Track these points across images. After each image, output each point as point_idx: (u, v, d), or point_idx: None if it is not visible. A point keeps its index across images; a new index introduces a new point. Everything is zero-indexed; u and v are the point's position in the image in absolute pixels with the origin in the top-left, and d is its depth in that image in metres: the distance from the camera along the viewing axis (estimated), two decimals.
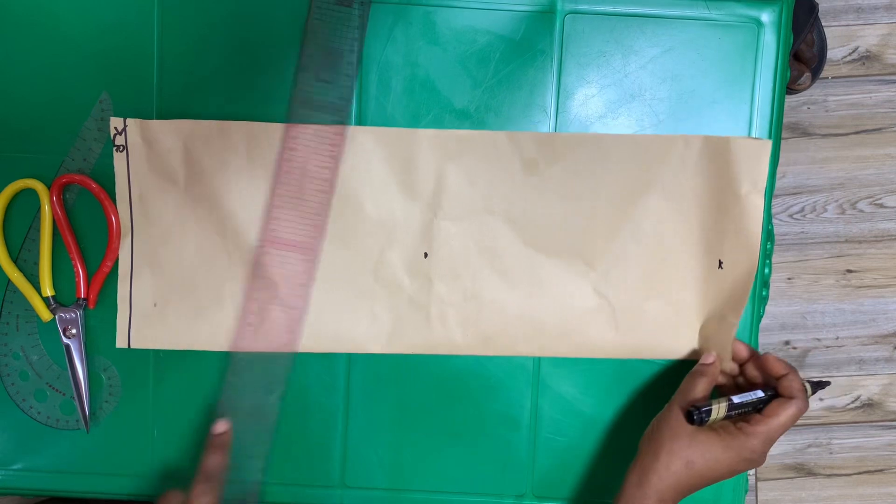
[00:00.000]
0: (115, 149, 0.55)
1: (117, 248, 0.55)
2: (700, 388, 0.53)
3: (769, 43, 0.55)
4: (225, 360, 0.56)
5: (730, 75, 0.55)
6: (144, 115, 0.55)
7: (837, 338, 1.19)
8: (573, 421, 0.58)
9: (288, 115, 0.54)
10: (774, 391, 0.52)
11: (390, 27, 0.54)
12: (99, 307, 0.56)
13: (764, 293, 0.57)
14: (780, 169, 0.56)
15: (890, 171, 1.16)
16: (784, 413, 0.50)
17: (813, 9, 1.03)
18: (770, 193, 0.56)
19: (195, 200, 0.55)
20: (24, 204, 0.56)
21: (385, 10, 0.54)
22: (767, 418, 0.51)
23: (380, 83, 0.55)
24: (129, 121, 0.54)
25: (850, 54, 1.15)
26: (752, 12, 0.55)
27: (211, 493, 0.51)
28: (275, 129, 0.54)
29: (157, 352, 0.56)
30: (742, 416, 0.52)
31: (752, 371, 0.55)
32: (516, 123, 0.55)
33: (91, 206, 0.56)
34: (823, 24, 1.12)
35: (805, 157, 1.16)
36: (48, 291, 0.55)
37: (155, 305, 0.56)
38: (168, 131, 0.54)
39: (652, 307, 0.56)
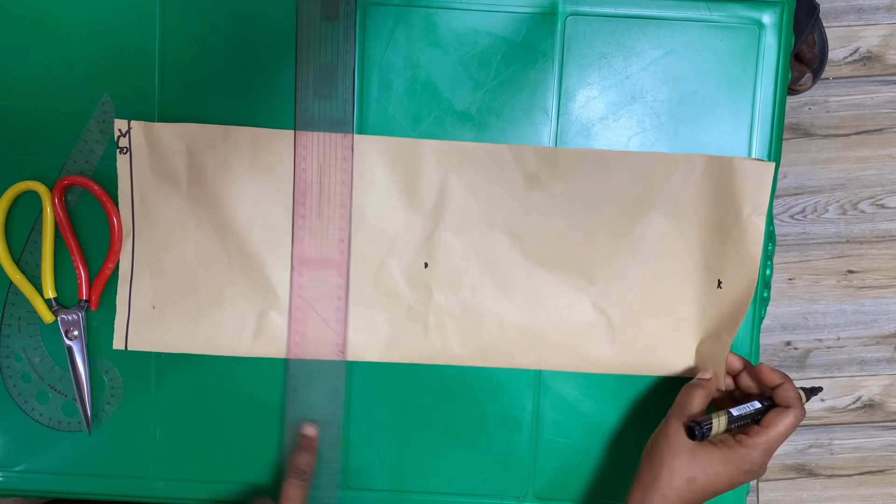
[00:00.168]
0: (118, 151, 0.55)
1: (119, 250, 0.55)
2: (697, 401, 0.53)
3: (770, 44, 0.55)
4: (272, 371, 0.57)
5: (731, 77, 0.55)
6: (146, 116, 0.55)
7: (838, 338, 1.19)
8: (574, 422, 0.58)
9: (294, 134, 0.54)
10: (771, 401, 0.52)
11: (391, 29, 0.54)
12: (101, 309, 0.56)
13: (765, 294, 0.57)
14: (781, 169, 0.57)
15: (891, 171, 1.16)
16: (782, 423, 0.51)
17: (814, 9, 1.03)
18: (771, 196, 0.56)
19: (197, 203, 0.55)
20: (26, 206, 0.56)
21: (386, 11, 0.54)
22: (766, 429, 0.51)
23: (381, 85, 0.55)
24: (134, 123, 0.54)
25: (851, 55, 1.15)
26: (754, 14, 0.55)
27: (301, 489, 0.53)
28: (278, 135, 0.54)
29: (158, 354, 0.57)
30: (741, 427, 0.52)
31: (746, 382, 0.55)
32: (518, 125, 0.55)
33: (93, 208, 0.56)
34: (824, 24, 1.12)
35: (806, 157, 1.16)
36: (50, 293, 0.55)
37: (154, 308, 0.56)
38: (172, 134, 0.54)
39: (650, 324, 0.56)
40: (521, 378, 0.57)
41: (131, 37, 0.54)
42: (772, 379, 0.53)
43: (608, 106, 0.55)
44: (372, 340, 0.56)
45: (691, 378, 0.55)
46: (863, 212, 1.17)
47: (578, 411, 0.58)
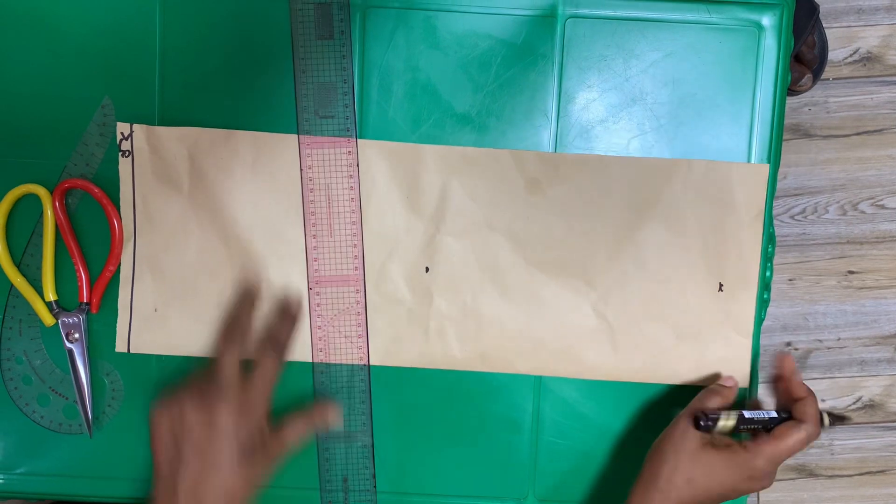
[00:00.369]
0: (120, 154, 0.55)
1: (120, 253, 0.55)
2: (712, 404, 0.52)
3: (770, 46, 0.55)
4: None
5: (731, 79, 0.55)
6: (146, 119, 0.55)
7: (839, 339, 1.19)
8: (575, 424, 0.58)
9: (300, 155, 0.54)
10: (789, 414, 0.52)
11: (391, 32, 0.54)
12: (101, 312, 0.56)
13: (765, 296, 0.57)
14: (781, 170, 0.57)
15: (891, 172, 1.16)
16: (793, 436, 0.50)
17: (814, 10, 1.03)
18: (771, 198, 0.56)
19: (198, 207, 0.55)
20: (27, 209, 0.56)
21: (386, 14, 0.54)
22: (775, 439, 0.50)
23: (381, 88, 0.55)
24: (136, 126, 0.54)
25: (851, 55, 1.15)
26: (753, 16, 0.55)
27: (278, 364, 0.50)
28: (280, 139, 0.54)
29: (159, 356, 0.57)
30: (751, 434, 0.52)
31: (774, 392, 0.54)
32: (518, 127, 0.55)
33: (93, 211, 0.56)
34: (824, 25, 1.12)
35: (806, 158, 1.16)
36: (51, 296, 0.56)
37: (156, 310, 0.56)
38: (174, 138, 0.54)
39: (651, 329, 0.56)
40: (522, 380, 0.57)
41: (131, 39, 0.54)
42: (798, 391, 0.51)
43: (608, 108, 0.55)
44: (372, 344, 0.56)
45: (696, 385, 0.55)
46: (863, 212, 1.17)
47: (579, 413, 0.58)
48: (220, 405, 0.46)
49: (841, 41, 1.14)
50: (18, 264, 0.56)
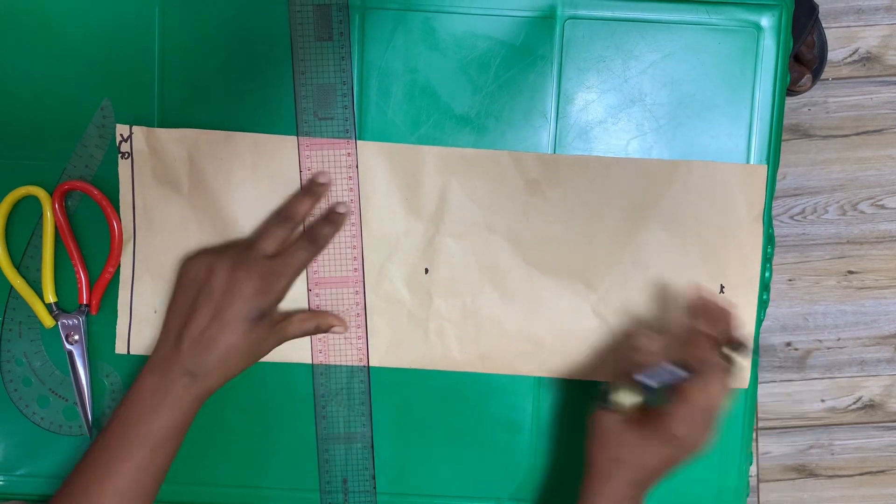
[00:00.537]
0: (119, 156, 0.55)
1: (119, 255, 0.55)
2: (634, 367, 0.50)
3: (769, 47, 0.55)
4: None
5: (730, 80, 0.55)
6: (145, 121, 0.55)
7: (839, 339, 1.19)
8: (575, 425, 0.58)
9: (298, 157, 0.54)
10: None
11: (390, 33, 0.54)
12: (101, 313, 0.56)
13: (765, 297, 0.57)
14: (780, 170, 0.57)
15: (891, 172, 1.16)
16: (697, 393, 0.47)
17: (813, 10, 1.03)
18: (770, 198, 0.56)
19: (198, 208, 0.55)
20: (27, 211, 0.56)
21: (385, 16, 0.54)
22: (682, 401, 0.47)
23: (380, 89, 0.55)
24: (136, 128, 0.54)
25: (850, 55, 1.15)
26: (752, 17, 0.55)
27: (311, 257, 0.52)
28: (279, 140, 0.54)
29: None
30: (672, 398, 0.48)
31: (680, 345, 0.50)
32: (517, 128, 0.55)
33: (93, 213, 0.56)
34: (824, 25, 1.12)
35: (806, 158, 1.16)
36: (50, 298, 0.56)
37: (155, 312, 0.56)
38: (173, 139, 0.54)
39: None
40: (522, 381, 0.57)
41: (131, 40, 0.54)
42: (690, 344, 0.49)
43: (607, 109, 0.55)
44: (372, 345, 0.56)
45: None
46: (862, 212, 1.17)
47: (579, 414, 0.58)
48: (245, 274, 0.49)
49: (840, 41, 1.14)
50: (18, 266, 0.56)
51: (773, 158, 0.56)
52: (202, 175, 0.55)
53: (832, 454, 1.20)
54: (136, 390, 0.50)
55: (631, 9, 0.54)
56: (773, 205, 0.57)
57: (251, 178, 0.55)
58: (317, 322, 0.54)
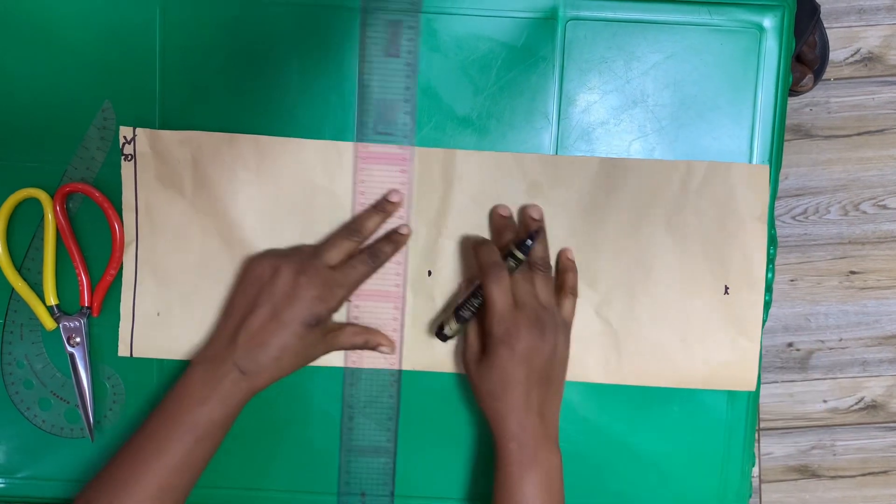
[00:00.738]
0: (122, 158, 0.55)
1: (121, 257, 0.55)
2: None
3: (771, 48, 0.55)
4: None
5: (732, 81, 0.55)
6: (147, 123, 0.55)
7: (841, 339, 1.18)
8: (576, 427, 0.57)
9: (354, 170, 0.54)
10: None
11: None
12: (103, 315, 0.56)
13: (767, 298, 0.57)
14: (782, 171, 0.57)
15: (893, 172, 1.16)
16: (485, 291, 0.50)
17: (815, 10, 1.03)
18: (773, 199, 0.56)
19: (201, 211, 0.55)
20: (28, 213, 0.56)
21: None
22: (485, 303, 0.51)
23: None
24: (139, 130, 0.54)
25: (852, 56, 1.15)
26: (754, 17, 0.54)
27: (370, 270, 0.53)
28: (283, 143, 0.54)
29: (161, 360, 0.57)
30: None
31: None
32: (518, 130, 0.55)
33: (94, 215, 0.56)
34: (825, 25, 1.12)
35: (808, 158, 1.16)
36: (52, 300, 0.56)
37: (158, 315, 0.56)
38: (177, 141, 0.54)
39: (656, 333, 0.56)
40: None
41: (132, 42, 0.54)
42: (474, 253, 0.52)
43: (609, 110, 0.55)
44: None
45: (700, 392, 0.55)
46: (864, 213, 1.16)
47: (581, 417, 0.57)
48: (307, 280, 0.50)
49: (842, 41, 1.14)
50: (19, 268, 0.56)
51: (776, 159, 0.56)
52: (205, 177, 0.54)
53: (834, 455, 1.20)
54: (186, 379, 0.50)
55: (633, 10, 0.54)
56: (775, 205, 0.57)
57: (254, 180, 0.55)
58: (367, 338, 0.54)
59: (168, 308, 0.56)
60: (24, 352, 0.57)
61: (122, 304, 0.56)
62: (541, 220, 0.54)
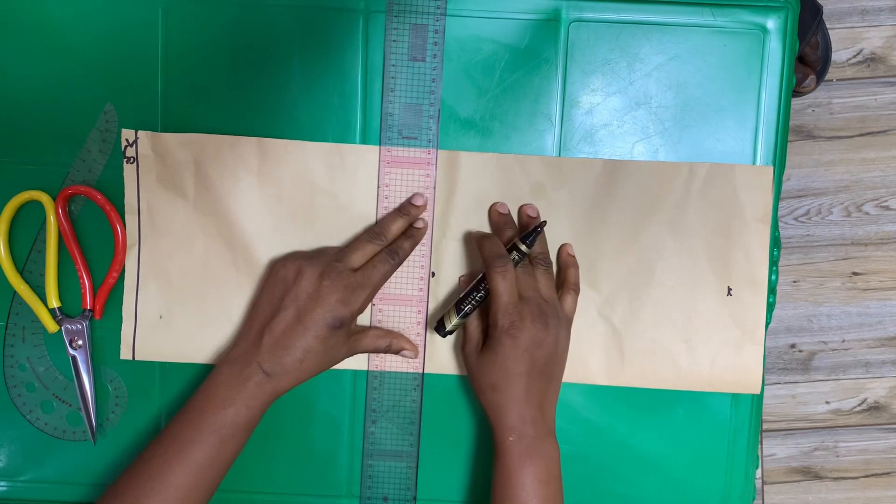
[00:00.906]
0: (125, 160, 0.55)
1: (123, 259, 0.55)
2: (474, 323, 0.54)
3: (775, 49, 0.55)
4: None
5: (735, 82, 0.55)
6: (149, 125, 0.55)
7: (843, 340, 1.18)
8: (579, 429, 0.57)
9: (378, 175, 0.55)
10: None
11: None
12: (105, 318, 0.56)
13: (771, 299, 0.57)
14: (785, 172, 0.56)
15: (895, 173, 1.16)
16: (493, 285, 0.50)
17: (817, 11, 1.03)
18: (776, 200, 0.56)
19: (204, 213, 0.55)
20: (30, 215, 0.56)
21: (385, 20, 0.54)
22: (490, 295, 0.51)
23: (385, 92, 0.55)
24: (141, 133, 0.54)
25: (854, 56, 1.15)
26: (758, 19, 0.54)
27: (392, 268, 0.53)
28: (285, 145, 0.54)
29: (163, 363, 0.56)
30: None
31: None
32: (521, 132, 0.55)
33: (96, 218, 0.56)
34: (828, 26, 1.12)
35: (810, 159, 1.16)
36: (54, 303, 0.55)
37: (161, 318, 0.56)
38: (179, 144, 0.54)
39: (659, 334, 0.56)
40: None
41: (134, 45, 0.54)
42: (478, 247, 0.52)
43: (612, 112, 0.55)
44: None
45: (704, 395, 0.55)
46: (867, 213, 1.16)
47: (583, 418, 0.57)
48: (331, 283, 0.50)
49: (844, 42, 1.14)
50: (21, 271, 0.56)
51: (780, 160, 0.56)
52: (208, 180, 0.54)
53: (837, 456, 1.19)
54: (212, 381, 0.50)
55: (636, 11, 0.54)
56: (778, 206, 0.57)
57: (257, 182, 0.54)
58: (390, 341, 0.55)
59: (170, 311, 0.55)
60: (27, 354, 0.57)
61: (124, 306, 0.56)
62: (538, 217, 0.55)
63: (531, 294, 0.51)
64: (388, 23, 0.54)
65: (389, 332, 0.55)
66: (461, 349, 0.54)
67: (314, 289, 0.50)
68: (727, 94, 0.55)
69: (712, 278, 0.56)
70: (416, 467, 0.57)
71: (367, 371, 0.57)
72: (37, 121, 0.55)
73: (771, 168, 0.55)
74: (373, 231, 0.54)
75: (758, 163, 0.55)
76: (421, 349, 0.56)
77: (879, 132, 1.15)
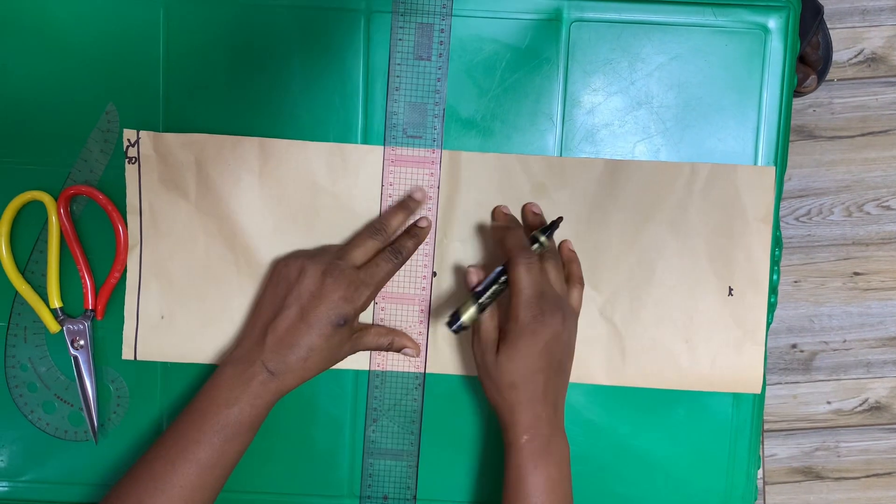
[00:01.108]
0: (126, 160, 0.55)
1: (125, 259, 0.55)
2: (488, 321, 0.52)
3: (776, 49, 0.55)
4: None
5: (737, 82, 0.55)
6: (150, 125, 0.55)
7: (845, 341, 1.18)
8: (580, 429, 0.57)
9: (382, 174, 0.55)
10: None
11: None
12: (107, 318, 0.56)
13: (772, 300, 0.57)
14: (786, 172, 0.56)
15: None
16: (514, 277, 0.49)
17: (818, 11, 1.03)
18: (778, 200, 0.56)
19: (205, 213, 0.55)
20: (32, 215, 0.56)
21: (390, 19, 0.54)
22: (511, 291, 0.49)
23: (386, 92, 0.55)
24: (143, 133, 0.54)
25: (855, 56, 1.15)
26: (759, 19, 0.54)
27: (395, 267, 0.52)
28: (287, 145, 0.54)
29: (165, 363, 0.56)
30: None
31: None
32: (523, 132, 0.55)
33: (98, 218, 0.56)
34: (829, 26, 1.12)
35: (811, 159, 1.16)
36: (56, 303, 0.55)
37: (162, 318, 0.56)
38: (181, 144, 0.54)
39: (660, 335, 0.56)
40: None
41: (135, 45, 0.54)
42: (493, 234, 0.52)
43: (613, 112, 0.55)
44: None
45: (705, 395, 0.55)
46: (868, 213, 1.16)
47: (584, 418, 0.57)
48: (333, 281, 0.50)
49: (845, 42, 1.14)
50: (23, 271, 0.56)
51: (781, 160, 0.56)
52: (209, 180, 0.54)
53: (838, 456, 1.19)
54: (216, 380, 0.50)
55: (637, 11, 0.54)
56: (779, 206, 0.57)
57: (259, 182, 0.54)
58: (392, 338, 0.55)
59: (172, 311, 0.55)
60: (28, 355, 0.57)
61: (125, 306, 0.56)
62: (542, 215, 0.55)
63: (547, 288, 0.50)
64: (394, 22, 0.54)
65: (392, 331, 0.55)
66: (472, 348, 0.52)
67: (317, 287, 0.50)
68: (728, 93, 0.55)
69: (713, 278, 0.56)
70: (417, 466, 0.57)
71: (369, 370, 0.57)
72: (38, 121, 0.55)
73: (773, 168, 0.55)
74: (374, 227, 0.54)
75: (759, 162, 0.55)
76: (423, 348, 0.56)
77: (880, 132, 1.15)
